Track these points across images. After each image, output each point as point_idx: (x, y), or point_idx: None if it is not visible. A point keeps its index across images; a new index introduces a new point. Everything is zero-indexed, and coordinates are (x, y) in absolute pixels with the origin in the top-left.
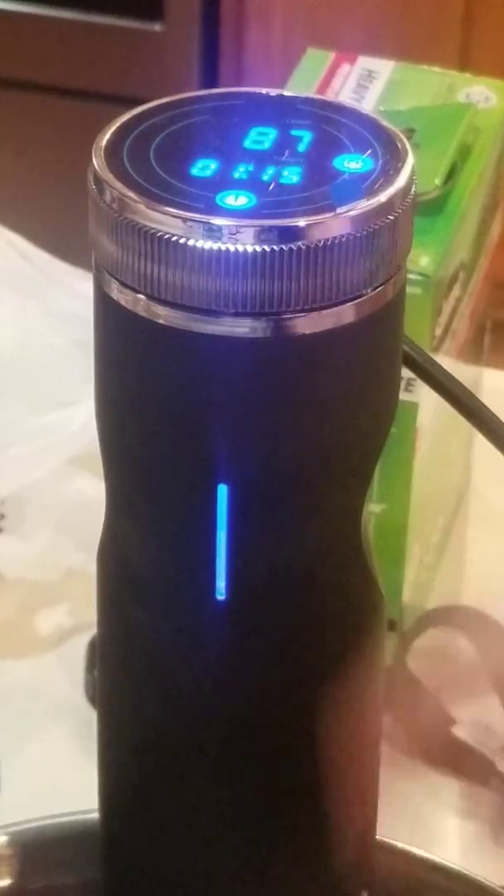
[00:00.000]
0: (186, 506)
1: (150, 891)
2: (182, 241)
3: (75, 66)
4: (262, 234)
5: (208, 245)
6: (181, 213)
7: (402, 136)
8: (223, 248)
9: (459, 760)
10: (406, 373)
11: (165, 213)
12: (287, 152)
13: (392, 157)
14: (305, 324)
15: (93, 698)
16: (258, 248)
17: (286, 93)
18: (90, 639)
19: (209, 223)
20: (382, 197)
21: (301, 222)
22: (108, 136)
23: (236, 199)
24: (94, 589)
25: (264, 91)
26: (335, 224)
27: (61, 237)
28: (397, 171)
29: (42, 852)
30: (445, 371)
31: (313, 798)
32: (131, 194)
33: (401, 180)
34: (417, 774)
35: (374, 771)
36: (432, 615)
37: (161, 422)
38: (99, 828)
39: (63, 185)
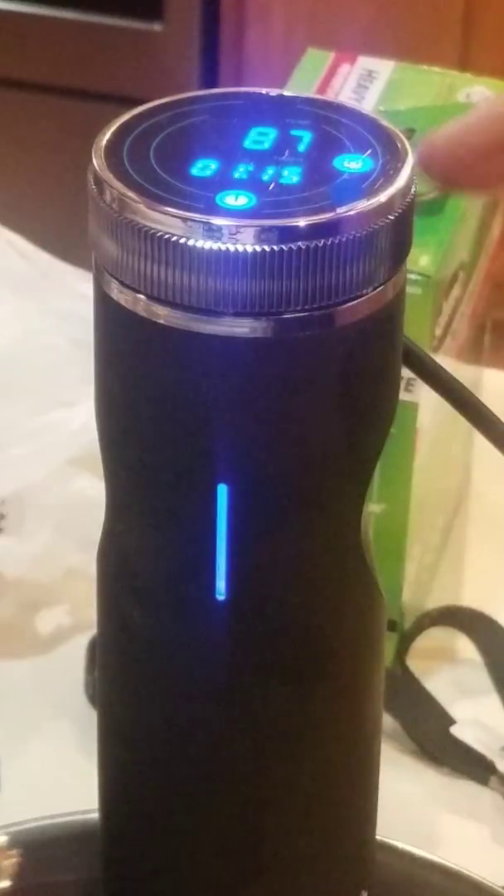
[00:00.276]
0: (186, 506)
1: (150, 891)
2: (182, 241)
3: (75, 66)
4: (262, 234)
5: (208, 245)
6: (181, 213)
7: (402, 136)
8: (223, 248)
9: (459, 760)
10: (406, 373)
11: (165, 213)
12: (287, 152)
13: (392, 157)
14: (305, 324)
15: (93, 698)
16: (258, 248)
17: (286, 93)
18: (90, 639)
19: (209, 223)
20: (382, 197)
21: (301, 222)
22: (108, 136)
23: (236, 199)
24: (94, 589)
25: (264, 91)
26: (335, 224)
27: (61, 237)
28: (397, 171)
29: (42, 852)
30: (445, 371)
31: (313, 797)
32: (131, 194)
33: (401, 180)
34: (417, 774)
35: (374, 771)
36: (432, 615)
37: (161, 422)
38: (99, 828)
39: (63, 185)
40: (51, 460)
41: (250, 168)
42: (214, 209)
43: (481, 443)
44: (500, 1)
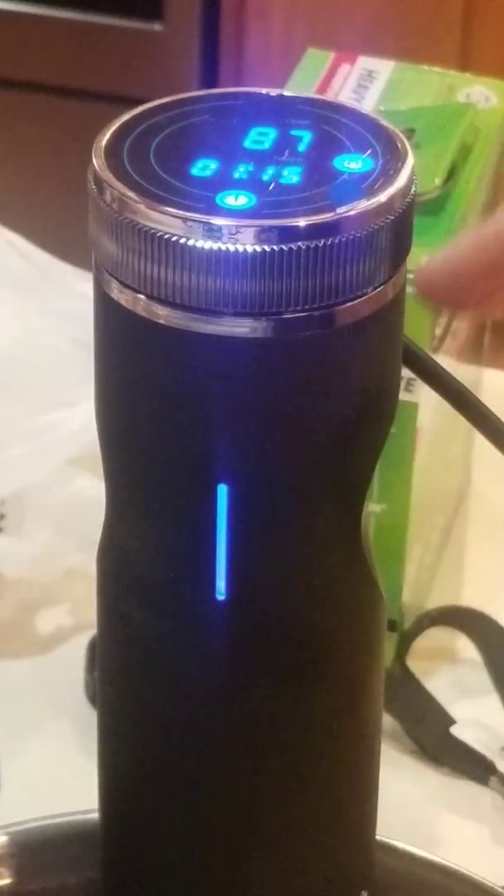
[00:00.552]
0: (186, 506)
1: (150, 891)
2: (182, 241)
3: (75, 66)
4: (262, 234)
5: (208, 245)
6: (181, 213)
7: (402, 136)
8: (223, 248)
9: (459, 760)
10: (406, 373)
11: (165, 213)
12: (287, 152)
13: (392, 157)
14: (305, 324)
15: (93, 698)
16: (258, 248)
17: (286, 93)
18: (90, 639)
19: (209, 223)
20: (382, 197)
21: (301, 222)
22: (108, 136)
23: (236, 199)
24: (94, 589)
25: (264, 91)
26: (335, 224)
27: (61, 237)
28: (397, 171)
29: (42, 852)
30: (445, 371)
31: (313, 798)
32: (131, 194)
33: (401, 180)
34: (417, 774)
35: (374, 771)
36: (432, 615)
37: (161, 422)
38: (99, 828)
39: (63, 185)
40: (51, 460)
41: (250, 168)
42: (214, 209)
43: (481, 443)
44: (500, 1)
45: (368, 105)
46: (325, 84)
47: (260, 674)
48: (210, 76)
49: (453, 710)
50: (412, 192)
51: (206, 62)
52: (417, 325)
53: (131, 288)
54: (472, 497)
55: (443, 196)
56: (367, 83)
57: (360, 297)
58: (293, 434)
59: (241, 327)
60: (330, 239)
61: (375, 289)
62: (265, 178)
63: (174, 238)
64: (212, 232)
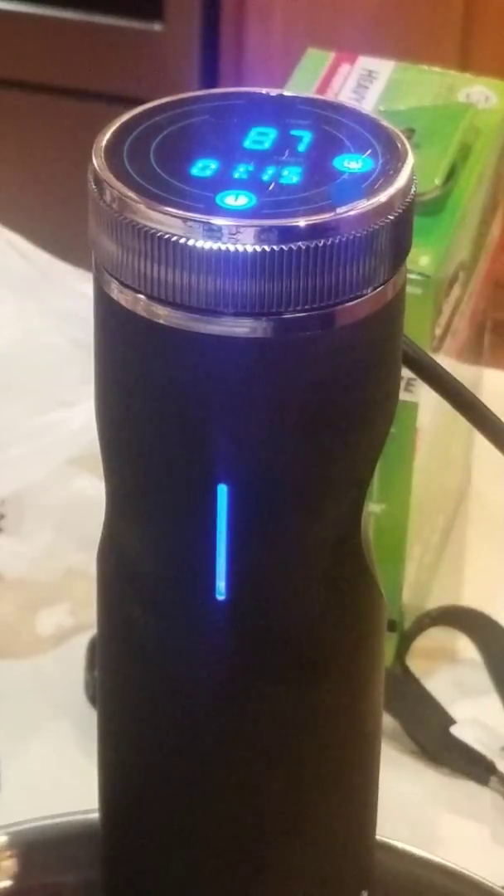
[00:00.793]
0: (186, 506)
1: (150, 891)
2: (182, 241)
3: (75, 66)
4: (262, 234)
5: (208, 245)
6: (181, 213)
7: (402, 136)
8: (223, 248)
9: (459, 760)
10: (406, 373)
11: (165, 213)
12: (287, 152)
13: (392, 157)
14: (305, 324)
15: (93, 698)
16: (258, 248)
17: (286, 93)
18: (90, 639)
19: (209, 223)
20: (382, 197)
21: (301, 222)
22: (108, 136)
23: (236, 199)
24: (94, 589)
25: (264, 91)
26: (335, 224)
27: (61, 237)
28: (397, 171)
29: (42, 852)
30: (445, 371)
31: (313, 798)
32: (131, 194)
33: (401, 180)
34: (417, 774)
35: (374, 771)
36: (432, 615)
37: (161, 422)
38: (99, 828)
39: (63, 185)
40: (51, 460)
41: (250, 168)
42: (214, 209)
43: (481, 443)
44: (500, 1)
45: (368, 105)
46: (325, 84)
47: (260, 674)
48: (210, 76)
49: (453, 710)
50: (412, 192)
51: (206, 62)
52: (417, 325)
53: (131, 288)
54: (472, 497)
55: (443, 196)
56: (367, 83)
57: (360, 297)
58: (293, 434)
59: (241, 327)
60: (330, 239)
61: (375, 289)
62: (265, 178)
63: (174, 238)
64: (212, 232)
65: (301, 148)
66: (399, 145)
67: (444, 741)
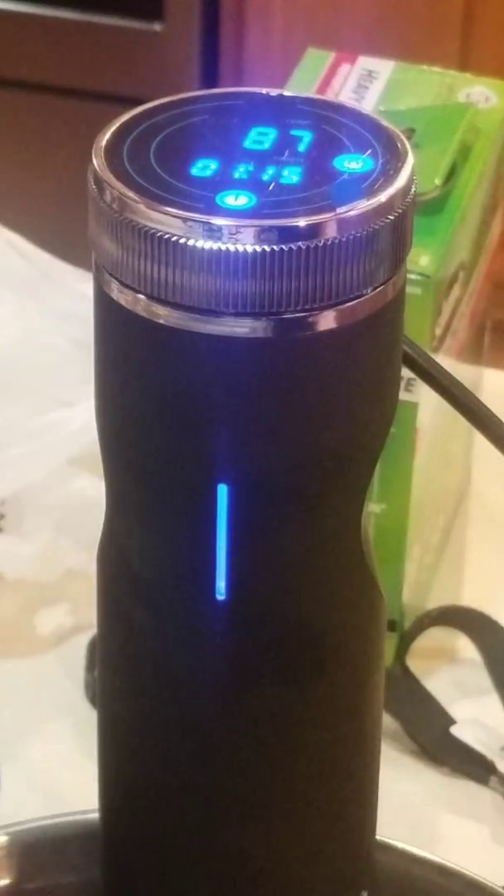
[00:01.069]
0: (186, 506)
1: (150, 891)
2: (182, 241)
3: (75, 66)
4: (262, 234)
5: (208, 245)
6: (181, 213)
7: (402, 136)
8: (223, 248)
9: (459, 760)
10: (406, 373)
11: (165, 213)
12: (287, 152)
13: (392, 157)
14: (305, 324)
15: (93, 698)
16: (258, 248)
17: (286, 93)
18: (90, 639)
19: (209, 223)
20: (382, 197)
21: (301, 222)
22: (108, 136)
23: (236, 199)
24: (94, 589)
25: (264, 91)
26: (335, 224)
27: (61, 237)
28: (397, 171)
29: (42, 852)
30: (445, 371)
31: (313, 797)
32: (131, 194)
33: (401, 180)
34: (417, 774)
35: (374, 770)
36: (432, 615)
37: (161, 421)
38: (99, 828)
39: (63, 185)
40: (51, 460)
41: (250, 168)
42: (214, 209)
43: (481, 443)
44: (500, 1)
45: (368, 105)
46: (325, 84)
47: (260, 674)
48: (210, 76)
49: (453, 710)
50: (412, 192)
51: (206, 62)
52: (417, 325)
53: (131, 288)
54: (472, 497)
55: (443, 196)
56: (367, 83)
57: (360, 297)
58: (293, 434)
59: (241, 327)
60: (330, 239)
61: (375, 289)
62: (265, 178)
63: (174, 238)
64: (212, 232)
65: (301, 148)
66: (399, 145)
67: (444, 741)
